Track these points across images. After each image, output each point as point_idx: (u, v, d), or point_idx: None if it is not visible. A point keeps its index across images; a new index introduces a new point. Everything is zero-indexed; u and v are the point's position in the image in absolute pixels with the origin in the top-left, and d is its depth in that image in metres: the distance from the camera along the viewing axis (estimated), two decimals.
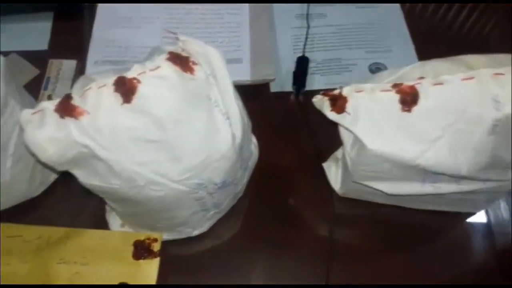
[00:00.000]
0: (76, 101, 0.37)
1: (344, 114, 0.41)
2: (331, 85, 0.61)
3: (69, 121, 0.37)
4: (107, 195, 0.42)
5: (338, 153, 0.54)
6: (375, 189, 0.46)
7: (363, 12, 0.68)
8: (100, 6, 0.65)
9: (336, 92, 0.41)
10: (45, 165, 0.41)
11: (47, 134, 0.37)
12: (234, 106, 0.40)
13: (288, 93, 0.61)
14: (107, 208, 0.52)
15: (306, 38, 0.64)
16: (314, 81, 0.62)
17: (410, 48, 0.65)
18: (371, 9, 0.69)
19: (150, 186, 0.39)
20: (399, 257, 0.51)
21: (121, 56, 0.61)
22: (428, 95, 0.39)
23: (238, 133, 0.41)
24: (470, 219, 0.54)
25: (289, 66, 0.63)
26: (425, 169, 0.41)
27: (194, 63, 0.40)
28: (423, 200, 0.50)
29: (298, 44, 0.65)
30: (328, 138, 0.57)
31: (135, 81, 0.37)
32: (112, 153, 0.37)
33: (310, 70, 0.61)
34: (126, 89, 0.37)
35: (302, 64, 0.61)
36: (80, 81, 0.41)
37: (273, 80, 0.59)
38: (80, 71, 0.62)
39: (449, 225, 0.54)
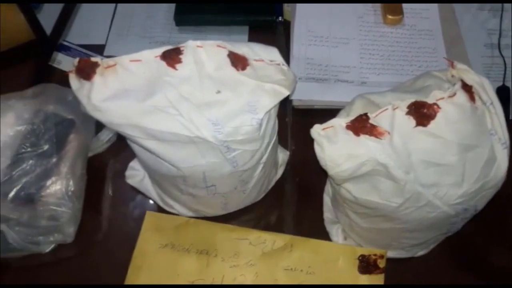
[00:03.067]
0: (372, 121, 0.39)
1: None
2: None
3: (367, 140, 0.39)
4: (370, 211, 0.43)
5: None
6: None
7: None
8: (296, 25, 0.68)
9: None
10: None
11: (344, 150, 0.39)
12: (508, 135, 0.41)
13: None
14: (326, 219, 0.54)
15: (505, 68, 0.64)
16: (510, 113, 0.62)
17: None
18: None
19: (426, 207, 0.41)
20: None
21: (322, 74, 0.64)
22: None
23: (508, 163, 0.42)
24: None
25: None
26: None
27: (474, 92, 0.41)
28: None
29: (489, 73, 0.66)
30: None
31: (435, 106, 0.38)
32: (405, 174, 0.39)
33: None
34: (424, 113, 0.39)
35: (504, 94, 0.62)
36: (359, 101, 0.44)
37: None
38: None
39: None
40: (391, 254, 0.50)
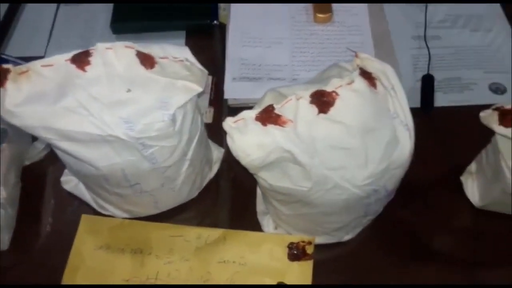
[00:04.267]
0: (277, 111, 0.41)
1: None
2: (454, 102, 0.65)
3: (273, 129, 0.41)
4: (286, 197, 0.45)
5: (471, 167, 0.57)
6: None
7: (477, 36, 0.71)
8: (231, 27, 0.70)
9: (507, 107, 0.44)
10: None
11: (253, 140, 0.41)
12: (410, 118, 0.44)
13: (413, 110, 0.63)
14: (259, 211, 0.55)
15: (429, 57, 0.67)
16: (437, 99, 0.65)
17: None
18: (484, 32, 0.72)
19: (336, 190, 0.43)
20: None
21: (256, 73, 0.66)
22: None
23: (413, 144, 0.44)
24: None
25: (411, 84, 0.66)
26: None
27: (375, 78, 0.43)
28: None
29: (417, 63, 0.69)
30: (458, 152, 0.61)
31: (334, 94, 0.41)
32: (310, 159, 0.41)
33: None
34: (324, 101, 0.41)
35: (428, 82, 0.64)
36: (270, 94, 0.46)
37: None
38: (216, 85, 0.67)
39: None
40: (319, 240, 0.52)
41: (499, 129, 0.44)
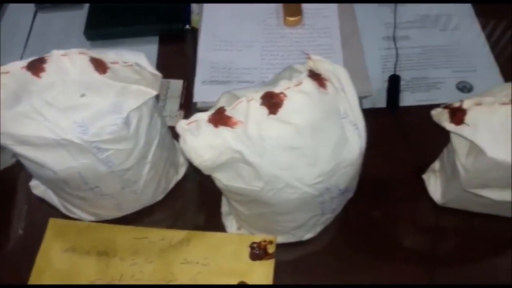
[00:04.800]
0: (228, 112, 0.42)
1: (463, 125, 0.44)
2: (421, 101, 0.66)
3: (224, 130, 0.42)
4: (242, 197, 0.46)
5: (435, 165, 0.57)
6: (483, 196, 0.48)
7: (446, 35, 0.72)
8: (203, 31, 0.71)
9: (456, 105, 0.45)
10: None
11: (204, 141, 0.42)
12: (361, 117, 0.45)
13: (380, 109, 0.65)
14: (223, 212, 0.56)
15: (397, 58, 0.68)
16: (404, 98, 0.66)
17: (494, 67, 0.68)
18: (453, 31, 0.73)
19: (287, 189, 0.43)
20: (501, 265, 0.53)
21: (225, 76, 0.67)
22: None
23: (363, 143, 0.45)
24: None
25: (379, 84, 0.67)
26: None
27: (325, 80, 0.44)
28: None
29: (385, 64, 0.69)
30: (422, 151, 0.61)
31: (282, 95, 0.41)
32: (260, 159, 0.42)
33: (400, 88, 0.66)
34: (273, 102, 0.42)
35: (394, 82, 0.65)
36: (224, 96, 0.46)
37: (369, 96, 0.64)
38: (187, 89, 0.68)
39: None
40: (280, 239, 0.53)
41: (450, 126, 0.45)
